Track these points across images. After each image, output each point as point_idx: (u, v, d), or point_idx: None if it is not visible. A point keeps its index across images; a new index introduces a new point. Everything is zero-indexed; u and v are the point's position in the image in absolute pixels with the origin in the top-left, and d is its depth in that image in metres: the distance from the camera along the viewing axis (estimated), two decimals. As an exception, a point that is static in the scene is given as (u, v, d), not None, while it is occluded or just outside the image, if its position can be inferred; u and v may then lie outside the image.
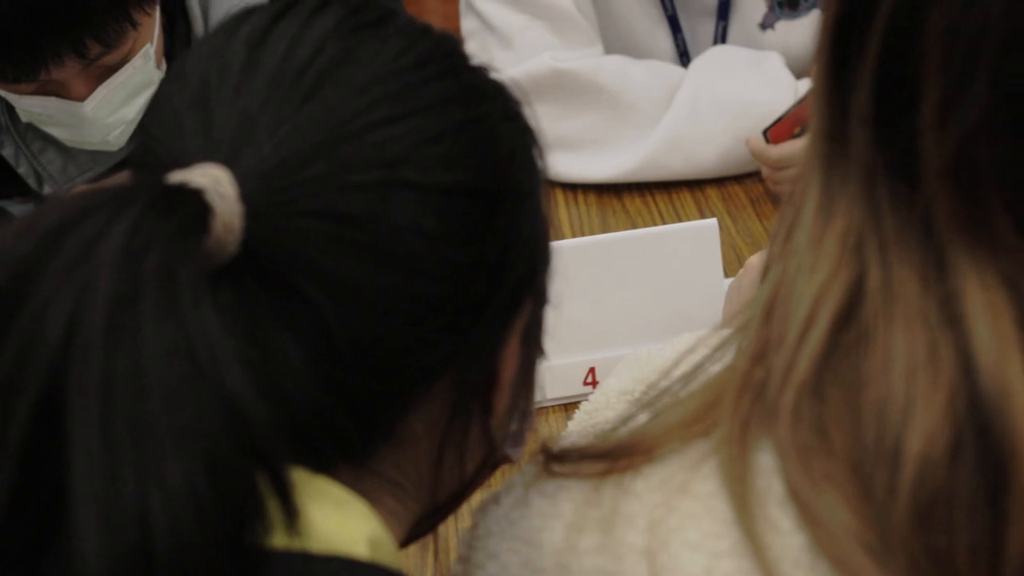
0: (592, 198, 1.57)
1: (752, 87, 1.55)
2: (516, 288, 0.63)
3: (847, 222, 0.57)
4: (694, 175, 1.56)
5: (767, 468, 0.57)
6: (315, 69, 0.58)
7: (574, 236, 1.47)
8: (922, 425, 0.53)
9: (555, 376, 1.23)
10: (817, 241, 0.58)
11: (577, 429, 1.02)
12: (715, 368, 0.62)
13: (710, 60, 1.60)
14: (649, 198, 1.56)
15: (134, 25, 1.31)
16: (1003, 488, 0.52)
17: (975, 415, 0.52)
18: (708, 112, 1.54)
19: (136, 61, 1.36)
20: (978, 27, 0.52)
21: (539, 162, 0.65)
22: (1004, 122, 0.53)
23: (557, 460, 0.64)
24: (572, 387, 1.23)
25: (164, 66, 1.44)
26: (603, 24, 1.63)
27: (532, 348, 0.68)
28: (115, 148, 1.45)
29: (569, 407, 1.22)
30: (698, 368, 0.63)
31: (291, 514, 0.51)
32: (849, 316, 0.56)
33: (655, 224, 1.50)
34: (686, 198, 1.55)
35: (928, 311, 0.54)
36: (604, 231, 1.49)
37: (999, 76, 0.52)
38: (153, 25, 1.37)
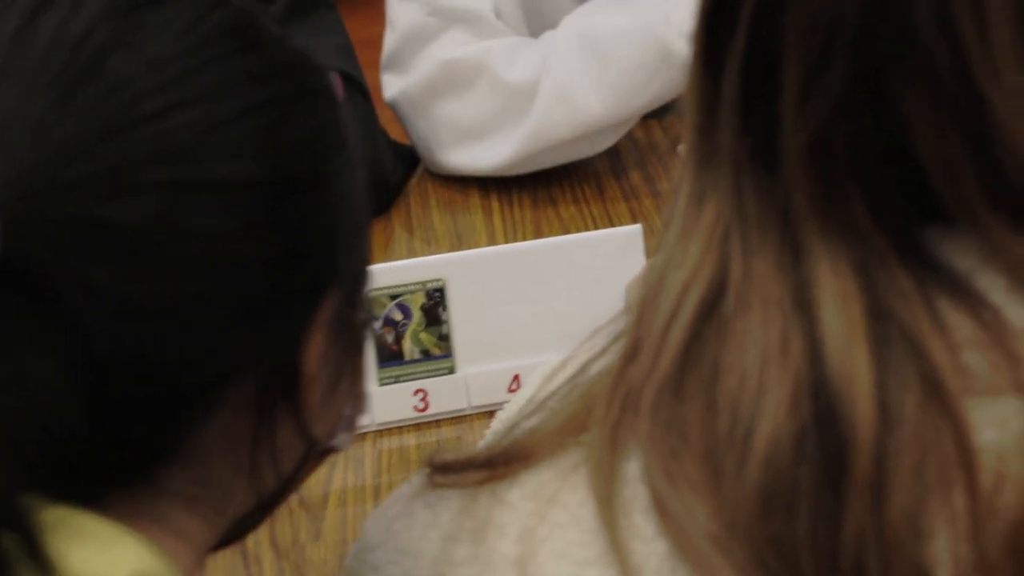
0: (527, 205, 1.57)
1: (618, 14, 1.47)
2: (314, 281, 0.59)
3: (715, 214, 0.58)
4: (588, 128, 1.48)
5: (634, 475, 0.57)
6: (82, 58, 0.53)
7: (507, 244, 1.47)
8: (771, 412, 0.53)
9: (480, 384, 1.23)
10: (687, 234, 0.59)
11: (493, 437, 1.01)
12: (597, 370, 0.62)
13: (577, 13, 1.52)
14: (584, 206, 1.56)
15: None
16: (842, 473, 0.52)
17: (819, 401, 0.53)
18: (582, 55, 1.46)
19: None
20: (835, 15, 0.54)
21: (343, 141, 0.60)
22: (858, 106, 0.55)
23: (441, 471, 0.64)
24: (497, 394, 1.23)
25: None
26: (534, 29, 1.61)
27: (349, 336, 0.63)
28: None
29: (494, 415, 1.22)
30: (581, 371, 0.63)
31: (44, 568, 0.47)
32: (711, 308, 0.57)
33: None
34: (620, 207, 1.55)
35: (783, 299, 0.55)
36: (538, 238, 1.49)
37: (855, 61, 0.54)
38: None
